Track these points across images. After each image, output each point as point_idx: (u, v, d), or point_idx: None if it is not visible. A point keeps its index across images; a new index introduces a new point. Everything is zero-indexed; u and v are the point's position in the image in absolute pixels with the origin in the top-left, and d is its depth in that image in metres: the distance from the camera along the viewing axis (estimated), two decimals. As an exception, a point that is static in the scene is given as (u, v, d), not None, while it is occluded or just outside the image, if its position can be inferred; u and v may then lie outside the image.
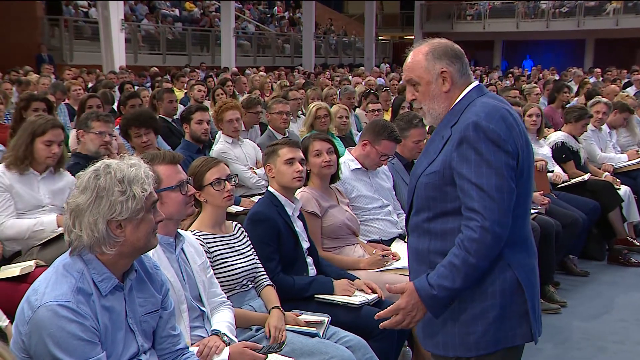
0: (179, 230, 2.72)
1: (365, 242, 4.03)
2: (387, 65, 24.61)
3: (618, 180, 6.29)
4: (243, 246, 3.09)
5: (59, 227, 3.56)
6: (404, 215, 3.12)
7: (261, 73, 16.67)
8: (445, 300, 2.20)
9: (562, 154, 6.17)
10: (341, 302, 3.23)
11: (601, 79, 15.44)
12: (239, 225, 3.19)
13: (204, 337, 2.60)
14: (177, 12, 24.76)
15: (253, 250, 3.13)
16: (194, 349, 2.47)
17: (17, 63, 14.76)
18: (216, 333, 2.62)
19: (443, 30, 27.58)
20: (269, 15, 30.34)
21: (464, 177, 2.16)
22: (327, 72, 19.45)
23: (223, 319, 2.71)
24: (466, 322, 2.24)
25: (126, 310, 2.09)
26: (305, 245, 3.43)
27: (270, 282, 3.12)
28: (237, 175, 3.40)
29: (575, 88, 11.88)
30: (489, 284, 2.21)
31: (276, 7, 31.15)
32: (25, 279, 3.17)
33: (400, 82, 14.01)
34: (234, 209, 4.59)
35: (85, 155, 4.24)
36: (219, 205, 3.02)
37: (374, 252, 3.82)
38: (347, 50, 31.74)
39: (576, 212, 5.50)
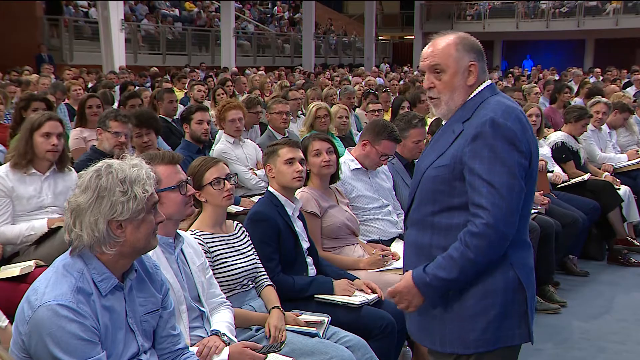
0: (178, 231, 2.72)
1: (365, 242, 4.04)
2: (387, 65, 24.62)
3: (618, 180, 6.29)
4: (244, 246, 3.09)
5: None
6: (404, 215, 3.12)
7: (261, 73, 16.68)
8: (440, 289, 2.22)
9: (562, 154, 6.17)
10: (341, 302, 3.23)
11: (601, 79, 15.44)
12: (240, 224, 3.19)
13: (203, 337, 2.60)
14: (177, 12, 24.77)
15: (254, 250, 3.13)
16: (193, 349, 2.47)
17: (17, 63, 14.78)
18: (216, 333, 2.62)
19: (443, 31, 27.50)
20: (269, 15, 30.34)
21: (475, 172, 2.15)
22: (327, 72, 19.44)
23: (222, 319, 2.71)
24: (466, 319, 2.24)
25: (126, 310, 2.09)
26: (305, 245, 3.43)
27: (270, 282, 3.12)
28: (236, 174, 3.40)
29: (575, 88, 11.87)
30: (491, 282, 2.21)
31: (276, 7, 31.15)
32: (25, 279, 3.17)
33: (400, 82, 14.04)
34: (234, 209, 4.59)
35: (102, 152, 4.29)
36: (219, 205, 3.02)
37: (374, 252, 3.82)
38: (347, 50, 31.73)
39: (576, 212, 5.50)
